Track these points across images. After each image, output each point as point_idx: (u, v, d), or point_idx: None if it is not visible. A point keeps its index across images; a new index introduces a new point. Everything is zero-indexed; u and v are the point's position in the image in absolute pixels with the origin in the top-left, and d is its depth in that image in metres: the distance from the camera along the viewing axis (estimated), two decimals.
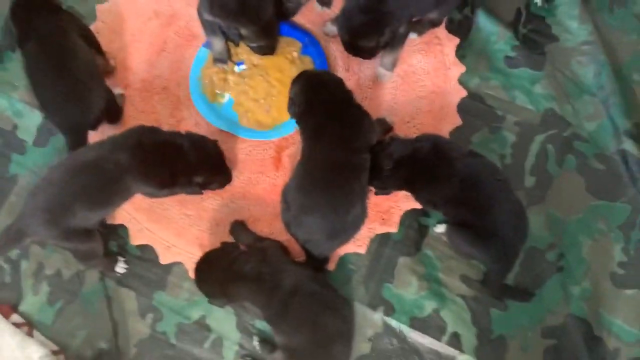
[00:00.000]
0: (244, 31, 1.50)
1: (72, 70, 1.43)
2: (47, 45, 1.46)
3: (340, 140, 1.37)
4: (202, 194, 1.48)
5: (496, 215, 1.34)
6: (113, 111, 1.60)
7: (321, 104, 1.42)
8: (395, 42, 1.53)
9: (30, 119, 1.69)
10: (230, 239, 1.51)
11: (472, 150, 1.44)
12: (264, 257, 1.31)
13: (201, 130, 1.64)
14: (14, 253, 1.57)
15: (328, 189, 1.34)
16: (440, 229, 1.49)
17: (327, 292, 1.29)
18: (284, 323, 1.26)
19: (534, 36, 1.69)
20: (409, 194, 1.47)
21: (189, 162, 1.37)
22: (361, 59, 1.67)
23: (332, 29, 1.68)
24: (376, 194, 1.49)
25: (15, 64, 1.72)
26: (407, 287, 1.48)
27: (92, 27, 1.74)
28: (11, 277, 1.56)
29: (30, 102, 1.69)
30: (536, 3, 1.71)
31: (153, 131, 1.38)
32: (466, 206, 1.36)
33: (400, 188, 1.47)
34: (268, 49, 1.56)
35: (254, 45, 1.55)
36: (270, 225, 1.54)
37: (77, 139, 1.47)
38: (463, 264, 1.49)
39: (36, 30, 1.47)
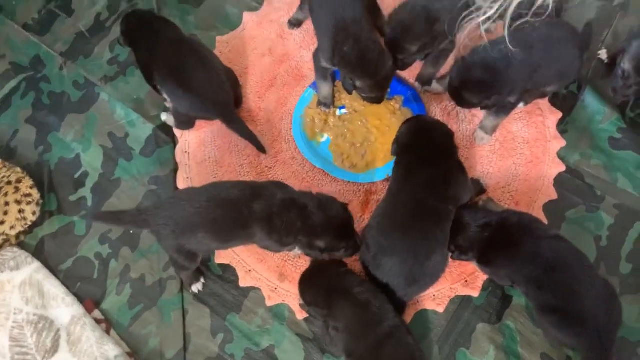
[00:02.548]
0: (359, 83, 1.54)
1: (211, 62, 1.64)
2: (184, 45, 1.64)
3: (430, 185, 1.38)
4: (324, 258, 1.42)
5: (586, 301, 1.27)
6: (239, 94, 1.80)
7: (421, 147, 1.44)
8: (502, 110, 1.55)
9: (141, 130, 1.82)
10: None
11: (559, 234, 1.38)
12: (376, 290, 1.31)
13: (295, 164, 1.72)
14: (105, 252, 1.66)
15: (409, 231, 1.34)
16: None
17: (417, 348, 1.26)
18: None
19: None
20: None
21: (311, 223, 1.33)
22: (460, 119, 1.71)
23: (437, 86, 1.73)
24: (453, 257, 1.44)
25: (137, 79, 1.87)
26: (483, 356, 1.43)
27: None
28: (99, 274, 1.63)
29: (143, 115, 1.84)
30: None
31: (284, 187, 1.40)
32: (551, 290, 1.30)
33: (482, 254, 1.41)
34: (377, 100, 1.61)
35: (365, 95, 1.60)
36: (351, 265, 1.55)
37: (230, 117, 1.66)
38: (545, 341, 1.43)
39: (165, 36, 1.65)
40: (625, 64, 1.52)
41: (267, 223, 1.34)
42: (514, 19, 1.26)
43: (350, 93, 1.62)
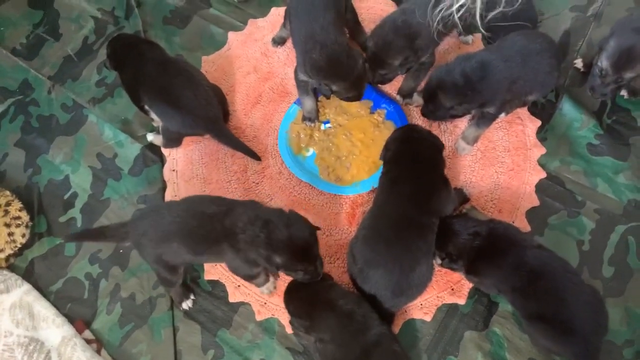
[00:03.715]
0: (335, 87, 1.59)
1: (197, 80, 1.68)
2: (170, 65, 1.68)
3: (413, 197, 1.40)
4: (278, 275, 1.42)
5: (573, 309, 1.29)
6: (227, 109, 1.84)
7: (409, 159, 1.47)
8: (483, 120, 1.59)
9: (129, 150, 1.85)
10: None
11: (542, 244, 1.41)
12: (360, 300, 1.33)
13: (282, 179, 1.74)
14: (95, 272, 1.67)
15: (394, 243, 1.36)
16: None
17: (404, 355, 1.28)
18: None
19: (619, 127, 1.71)
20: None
21: (273, 237, 1.30)
22: (442, 130, 1.75)
23: (418, 99, 1.77)
24: (443, 265, 1.46)
25: (124, 100, 1.90)
26: None
27: None
28: (89, 294, 1.64)
29: (131, 135, 1.86)
30: (622, 95, 1.73)
31: (256, 205, 1.40)
32: (537, 299, 1.32)
33: (471, 263, 1.42)
34: (354, 98, 1.65)
35: (342, 97, 1.65)
36: (339, 278, 1.57)
37: (220, 131, 1.70)
38: (532, 347, 1.44)
39: (150, 58, 1.68)
40: (603, 62, 1.53)
41: (233, 239, 1.34)
42: (488, 9, 1.30)
43: (327, 97, 1.68)
